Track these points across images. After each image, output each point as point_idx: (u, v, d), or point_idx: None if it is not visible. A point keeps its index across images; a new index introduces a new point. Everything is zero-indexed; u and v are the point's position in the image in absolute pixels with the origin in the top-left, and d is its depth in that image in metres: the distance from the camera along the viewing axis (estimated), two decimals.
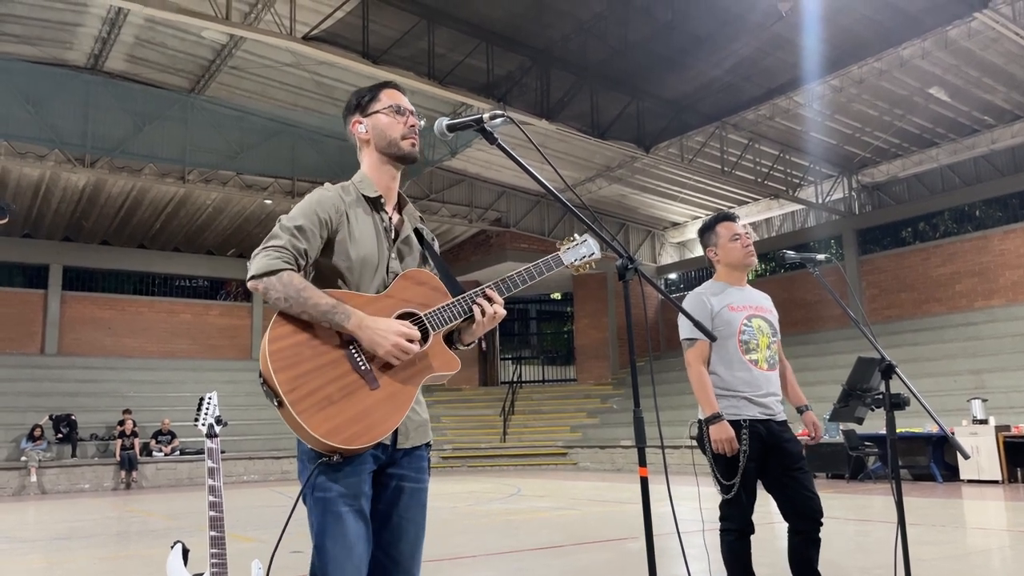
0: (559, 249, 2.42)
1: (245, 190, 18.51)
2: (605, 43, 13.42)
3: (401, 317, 2.14)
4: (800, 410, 3.80)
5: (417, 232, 2.39)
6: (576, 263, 2.41)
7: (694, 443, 3.72)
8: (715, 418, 3.46)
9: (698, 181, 19.87)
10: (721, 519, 3.55)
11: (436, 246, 2.44)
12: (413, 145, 2.31)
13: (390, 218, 2.31)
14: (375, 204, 2.29)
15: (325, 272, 2.19)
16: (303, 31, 12.28)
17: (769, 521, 8.42)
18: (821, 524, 3.50)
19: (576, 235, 2.45)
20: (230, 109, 16.48)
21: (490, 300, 2.23)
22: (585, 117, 15.16)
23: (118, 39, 14.59)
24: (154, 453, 17.76)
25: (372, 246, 2.22)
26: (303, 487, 2.11)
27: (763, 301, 3.84)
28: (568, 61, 14.18)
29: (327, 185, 2.30)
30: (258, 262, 2.05)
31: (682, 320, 3.64)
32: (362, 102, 2.34)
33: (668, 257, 25.43)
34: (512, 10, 12.57)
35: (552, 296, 29.12)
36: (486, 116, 2.19)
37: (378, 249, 2.23)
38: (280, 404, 1.96)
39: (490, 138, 2.19)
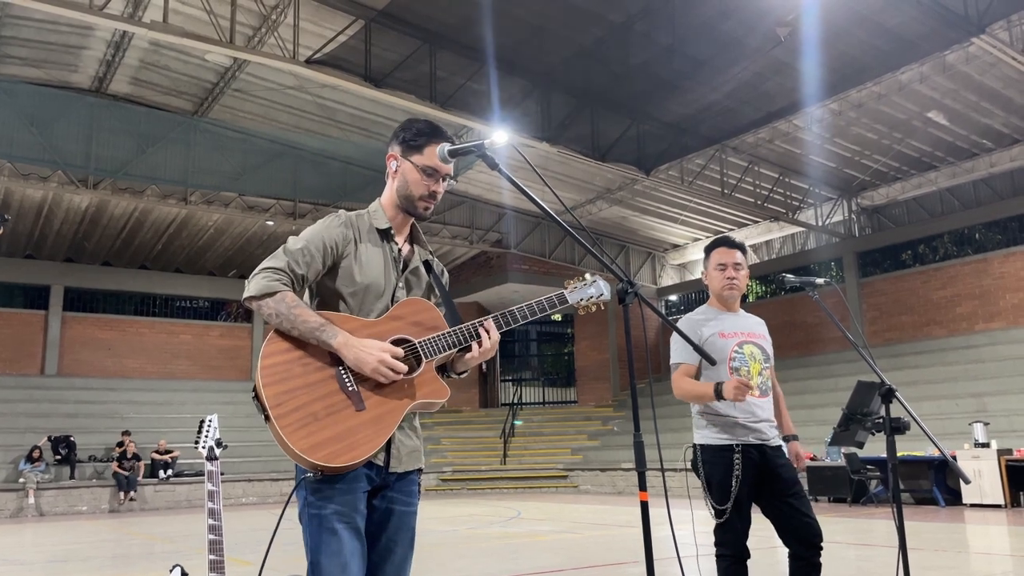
0: (566, 287, 2.41)
1: (247, 211, 18.57)
2: (606, 67, 13.53)
3: (395, 343, 2.17)
4: (786, 439, 3.77)
5: (427, 264, 2.42)
6: (583, 303, 2.40)
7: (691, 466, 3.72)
8: (718, 387, 3.38)
9: (698, 203, 19.93)
10: (716, 544, 3.53)
11: (446, 279, 2.47)
12: (427, 209, 2.36)
13: (399, 249, 2.35)
14: (385, 235, 2.34)
15: (327, 296, 2.23)
16: (306, 55, 12.39)
17: (771, 546, 8.36)
18: (820, 549, 3.47)
19: (587, 275, 2.44)
20: (233, 131, 16.58)
21: (488, 333, 2.26)
22: (586, 140, 15.24)
23: (123, 62, 14.71)
24: (159, 472, 17.64)
25: (379, 274, 2.26)
26: (285, 503, 2.15)
27: (756, 327, 3.81)
28: (569, 84, 14.28)
29: (340, 212, 2.33)
30: (256, 283, 2.10)
31: (673, 345, 3.66)
32: (406, 142, 2.35)
33: (668, 279, 25.45)
34: (514, 35, 12.68)
35: (553, 318, 29.11)
36: (487, 141, 2.23)
37: (385, 277, 2.27)
38: (267, 418, 2.01)
39: (491, 163, 2.22)
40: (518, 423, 23.38)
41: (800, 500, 3.52)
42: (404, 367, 2.11)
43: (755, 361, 3.64)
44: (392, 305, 2.26)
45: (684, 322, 3.76)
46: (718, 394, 3.38)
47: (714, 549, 3.55)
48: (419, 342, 2.19)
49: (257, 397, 2.03)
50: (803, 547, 3.47)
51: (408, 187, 2.34)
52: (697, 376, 3.62)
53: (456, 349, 2.24)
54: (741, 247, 3.80)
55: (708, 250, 3.83)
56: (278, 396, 2.01)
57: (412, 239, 2.43)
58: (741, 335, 3.70)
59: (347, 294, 2.22)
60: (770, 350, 3.79)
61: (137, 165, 15.99)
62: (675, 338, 3.53)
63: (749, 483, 3.48)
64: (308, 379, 2.06)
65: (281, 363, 2.05)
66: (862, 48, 12.59)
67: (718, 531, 3.51)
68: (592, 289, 2.42)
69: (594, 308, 2.44)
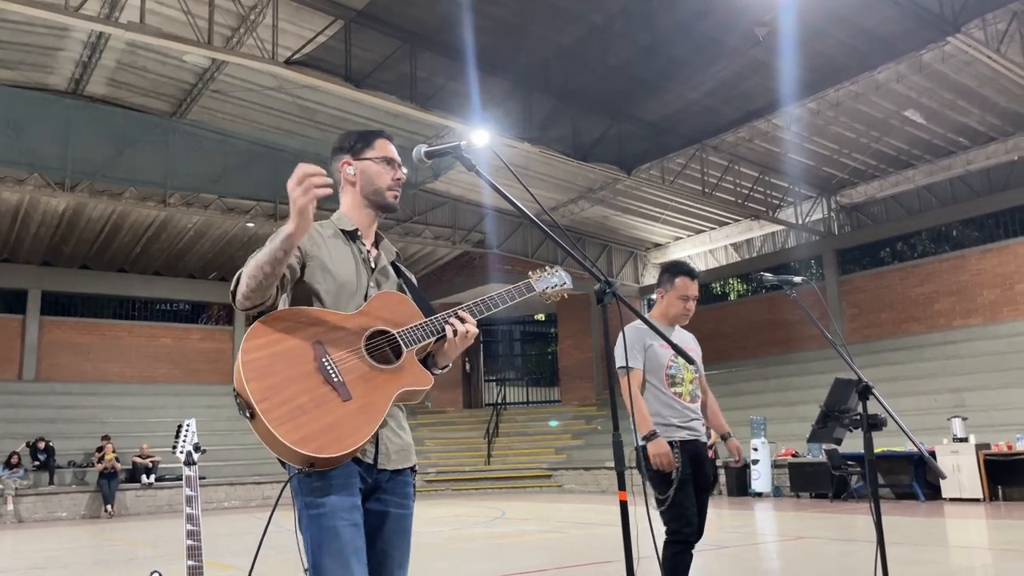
0: (531, 277, 2.51)
1: (227, 213, 18.44)
2: (586, 67, 13.56)
3: (374, 335, 2.18)
4: (724, 437, 4.17)
5: (394, 266, 2.45)
6: (548, 291, 2.50)
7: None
8: (652, 435, 3.78)
9: (679, 203, 20.03)
10: (670, 532, 3.77)
11: (414, 279, 2.50)
12: (396, 197, 2.39)
13: (368, 251, 2.37)
14: (352, 236, 2.35)
15: (301, 297, 2.22)
16: (285, 55, 12.32)
17: (752, 542, 8.40)
18: (699, 540, 3.90)
19: (547, 267, 2.56)
20: (212, 133, 16.44)
21: (462, 321, 2.28)
22: (567, 140, 15.27)
23: (99, 63, 14.55)
24: (141, 477, 17.46)
25: (350, 273, 2.27)
26: (274, 505, 2.15)
27: (690, 342, 4.21)
28: (550, 85, 14.29)
29: None
30: (234, 284, 2.11)
31: (618, 348, 3.96)
32: (355, 146, 2.40)
33: (651, 278, 25.50)
34: (494, 35, 12.67)
35: (536, 317, 29.13)
36: (463, 142, 2.23)
37: (356, 276, 2.28)
38: (252, 415, 1.97)
39: (468, 164, 2.21)
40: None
41: (706, 498, 3.96)
42: (318, 169, 2.00)
43: (687, 371, 4.03)
44: (364, 304, 2.27)
45: (632, 329, 4.00)
46: (646, 438, 3.78)
47: (664, 536, 3.79)
48: (398, 332, 2.21)
49: (239, 395, 2.00)
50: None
51: (374, 181, 2.36)
52: (643, 381, 3.95)
53: (435, 337, 2.26)
54: (699, 277, 4.17)
55: (671, 274, 4.09)
56: (263, 391, 1.98)
57: (377, 243, 2.45)
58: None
59: (321, 292, 2.22)
60: (700, 361, 4.15)
61: (115, 167, 15.83)
62: (625, 340, 3.92)
63: (689, 473, 3.85)
64: (292, 372, 2.04)
65: (263, 358, 2.03)
66: (839, 48, 12.69)
67: (671, 518, 3.76)
68: (555, 278, 2.52)
69: (559, 297, 2.53)
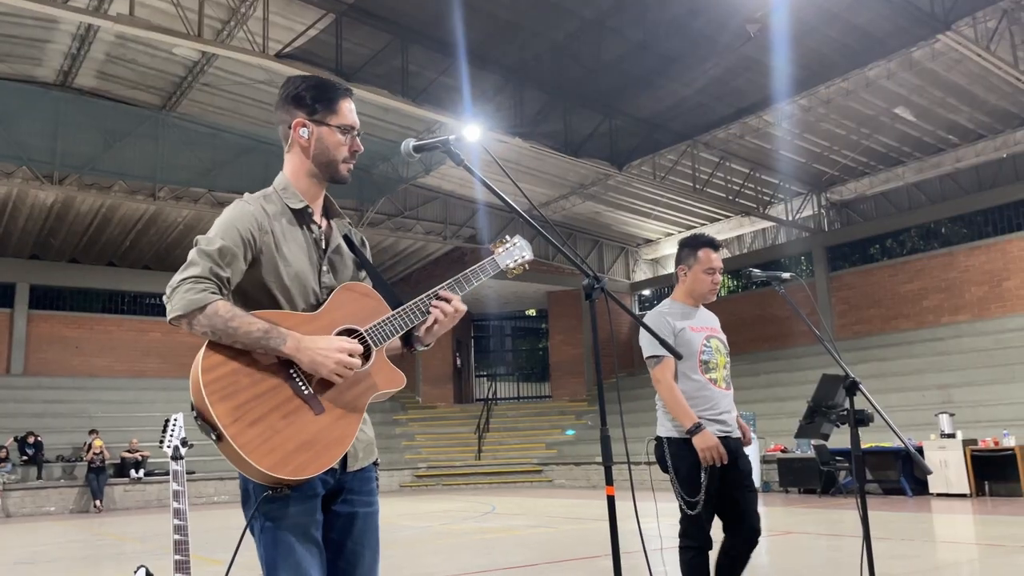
0: (495, 252, 2.38)
1: (217, 207, 18.36)
2: (578, 62, 13.55)
3: (341, 334, 2.04)
4: None
5: (347, 238, 2.26)
6: (511, 266, 2.38)
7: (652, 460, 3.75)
8: (697, 428, 3.50)
9: (670, 199, 20.05)
10: (681, 535, 3.58)
11: (368, 252, 2.32)
12: (349, 171, 2.19)
13: (319, 227, 2.17)
14: (301, 215, 2.14)
15: (253, 292, 2.05)
16: (276, 48, 12.26)
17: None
18: (755, 545, 3.61)
19: (507, 236, 2.41)
20: (202, 126, 16.36)
21: (447, 300, 2.17)
22: (559, 135, 15.26)
23: (88, 56, 14.45)
24: (130, 472, 17.39)
25: (303, 261, 2.09)
26: (248, 520, 1.99)
27: (715, 322, 3.94)
28: (542, 80, 14.29)
29: (247, 196, 2.13)
30: (179, 299, 1.88)
31: (645, 338, 3.68)
32: (315, 105, 2.16)
33: (642, 274, 25.58)
34: (486, 29, 12.65)
35: (527, 313, 29.15)
36: (452, 137, 2.19)
37: (309, 264, 2.10)
38: (219, 438, 1.83)
39: (457, 159, 2.19)
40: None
41: (752, 494, 3.64)
42: (359, 363, 1.98)
43: (720, 354, 3.79)
44: (321, 293, 2.09)
45: (653, 315, 3.81)
46: (690, 432, 3.50)
47: (678, 540, 3.59)
48: (366, 330, 2.04)
49: (201, 416, 1.83)
50: (742, 543, 3.60)
51: (330, 152, 2.14)
52: (675, 370, 3.66)
53: (404, 331, 2.11)
54: (721, 247, 3.91)
55: (692, 247, 3.83)
56: (231, 412, 1.82)
57: (326, 212, 2.22)
58: (707, 330, 3.82)
59: (275, 287, 2.04)
60: (727, 344, 3.93)
61: (104, 160, 15.73)
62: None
63: (717, 474, 3.56)
64: (258, 389, 1.88)
65: (225, 375, 1.86)
66: (831, 45, 12.73)
67: (684, 522, 3.56)
68: (516, 251, 2.38)
69: (521, 270, 2.39)
